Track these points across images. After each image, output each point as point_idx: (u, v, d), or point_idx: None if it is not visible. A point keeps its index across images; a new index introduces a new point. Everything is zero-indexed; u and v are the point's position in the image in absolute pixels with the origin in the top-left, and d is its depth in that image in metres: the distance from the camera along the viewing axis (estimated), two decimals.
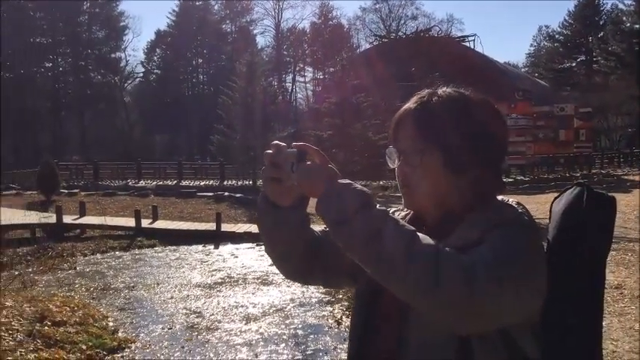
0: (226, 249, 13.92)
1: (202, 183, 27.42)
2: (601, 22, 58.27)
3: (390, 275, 1.03)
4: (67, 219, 16.20)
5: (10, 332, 5.99)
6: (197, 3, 61.63)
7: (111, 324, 7.55)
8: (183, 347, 6.71)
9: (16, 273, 10.65)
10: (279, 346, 6.76)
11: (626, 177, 28.31)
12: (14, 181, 28.71)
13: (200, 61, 63.14)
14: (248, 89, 28.96)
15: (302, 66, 65.49)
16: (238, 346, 6.75)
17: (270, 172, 1.20)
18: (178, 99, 57.04)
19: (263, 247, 1.40)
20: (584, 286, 1.22)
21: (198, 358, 6.38)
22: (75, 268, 11.81)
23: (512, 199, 1.24)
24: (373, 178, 25.53)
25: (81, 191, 23.34)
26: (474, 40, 44.60)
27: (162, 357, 6.39)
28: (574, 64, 60.19)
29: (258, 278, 10.52)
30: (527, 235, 1.13)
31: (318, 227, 1.38)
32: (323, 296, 8.92)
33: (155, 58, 61.52)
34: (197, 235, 15.20)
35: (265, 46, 65.02)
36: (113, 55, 58.50)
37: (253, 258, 12.41)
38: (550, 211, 1.35)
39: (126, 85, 61.40)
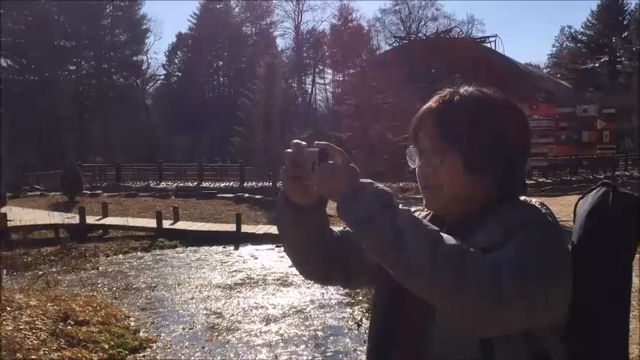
0: (246, 250, 13.97)
1: (222, 184, 27.56)
2: (625, 22, 57.35)
3: (413, 276, 1.01)
4: (90, 219, 16.41)
5: (34, 331, 6.07)
6: (218, 6, 62.03)
7: (132, 324, 7.62)
8: (203, 347, 6.75)
9: (40, 273, 10.83)
10: (298, 348, 6.76)
11: None
12: (39, 183, 29.14)
13: (220, 63, 63.53)
14: (268, 91, 29.10)
15: (321, 68, 65.55)
16: (258, 347, 6.77)
17: (291, 172, 1.18)
18: (199, 101, 57.43)
19: (282, 248, 1.40)
20: (611, 289, 1.20)
21: (219, 358, 6.42)
22: (97, 268, 11.95)
23: (535, 200, 1.22)
24: (393, 180, 25.42)
25: (103, 192, 23.61)
26: (494, 40, 44.19)
27: (183, 357, 6.44)
28: (597, 65, 59.29)
29: (278, 279, 10.55)
30: (552, 236, 1.11)
31: (337, 228, 1.38)
32: (343, 298, 8.91)
33: (176, 60, 62.05)
34: (217, 236, 15.28)
35: (285, 49, 65.23)
36: (135, 58, 59.09)
37: (273, 259, 12.44)
38: (574, 212, 1.32)
39: (147, 87, 62.02)
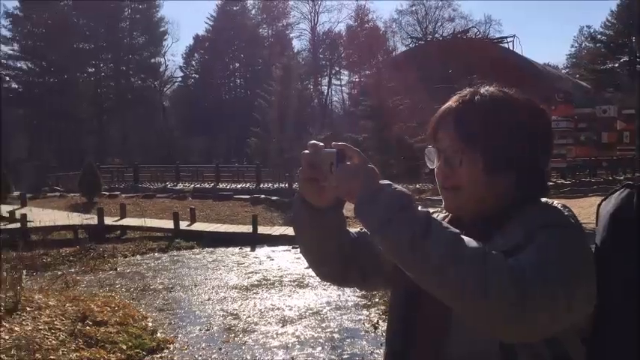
0: (262, 251, 14.00)
1: (239, 185, 27.66)
2: None
3: (434, 279, 0.99)
4: (108, 220, 16.56)
5: (53, 331, 6.14)
6: (234, 8, 62.30)
7: (150, 324, 7.67)
8: (220, 349, 6.76)
9: (59, 273, 10.93)
10: (315, 350, 6.75)
11: None
12: (58, 184, 29.47)
13: (237, 65, 63.78)
14: (284, 93, 29.13)
15: (338, 69, 65.44)
16: (275, 349, 6.77)
17: (308, 173, 1.17)
18: (216, 103, 57.69)
19: (299, 250, 1.39)
20: (635, 291, 1.17)
21: None
22: (115, 269, 12.05)
23: (557, 202, 1.19)
24: (409, 182, 25.33)
25: (122, 193, 23.80)
26: (512, 41, 43.83)
27: (200, 358, 6.46)
28: (617, 65, 58.57)
29: (294, 281, 10.55)
30: (575, 238, 1.09)
31: (354, 229, 1.37)
32: (359, 300, 8.89)
33: (193, 62, 62.41)
34: (234, 237, 15.33)
35: (301, 50, 65.25)
36: (153, 60, 59.56)
37: (289, 260, 12.45)
38: (597, 214, 1.30)
39: (165, 89, 62.44)
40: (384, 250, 1.04)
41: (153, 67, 59.08)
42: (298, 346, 6.86)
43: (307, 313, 8.31)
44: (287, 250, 13.59)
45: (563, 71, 58.31)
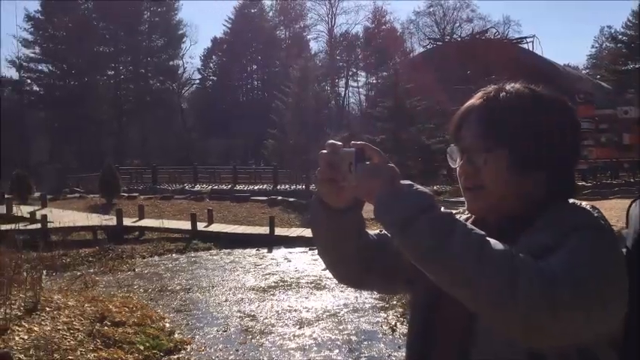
0: (280, 253, 14.00)
1: (256, 187, 27.75)
2: None
3: (459, 283, 0.95)
4: (127, 221, 16.69)
5: (72, 332, 6.17)
6: (252, 10, 62.54)
7: (167, 325, 7.69)
8: (237, 350, 6.75)
9: (79, 273, 11.03)
10: (332, 352, 6.71)
11: None
12: (78, 185, 29.81)
13: (255, 67, 64.00)
14: (301, 94, 29.13)
15: (355, 71, 65.38)
16: (292, 351, 6.75)
17: (326, 173, 1.13)
18: (233, 105, 57.94)
19: (316, 251, 1.36)
20: None
21: None
22: (134, 270, 12.13)
23: (585, 203, 1.14)
24: (427, 183, 25.20)
25: (140, 195, 23.98)
26: (532, 41, 43.40)
27: None
28: (638, 66, 57.72)
29: (311, 282, 10.52)
30: (606, 240, 1.04)
31: (373, 230, 1.33)
32: (377, 302, 8.83)
33: (211, 65, 62.73)
34: (251, 238, 15.37)
35: (318, 52, 65.25)
36: (171, 63, 59.94)
37: (306, 262, 12.43)
38: (627, 216, 1.24)
39: (183, 91, 62.82)
40: (405, 253, 1.01)
41: (171, 70, 59.50)
42: (315, 348, 6.83)
43: (324, 315, 8.28)
44: (304, 252, 13.57)
45: (584, 72, 57.64)
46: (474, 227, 0.99)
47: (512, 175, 1.11)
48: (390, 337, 7.24)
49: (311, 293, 9.76)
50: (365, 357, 6.58)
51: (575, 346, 1.01)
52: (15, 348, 5.42)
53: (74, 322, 6.50)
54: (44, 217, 15.60)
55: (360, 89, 66.38)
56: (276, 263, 12.78)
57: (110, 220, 16.70)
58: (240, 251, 14.23)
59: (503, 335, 0.99)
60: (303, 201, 20.38)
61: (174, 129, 56.01)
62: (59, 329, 6.18)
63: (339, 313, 8.40)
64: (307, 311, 8.54)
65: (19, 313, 6.40)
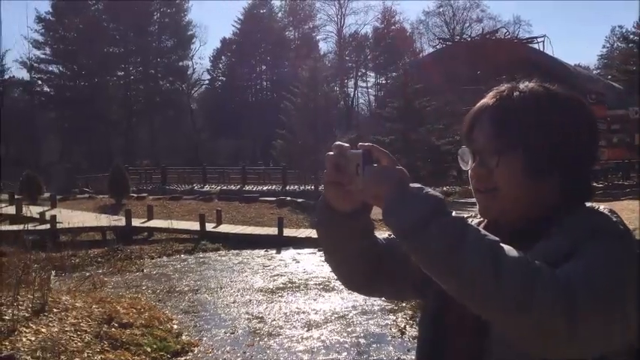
0: (288, 254, 13.96)
1: (265, 188, 27.73)
2: None
3: (472, 292, 0.91)
4: (136, 222, 16.71)
5: (79, 333, 6.15)
6: (261, 11, 62.60)
7: (175, 327, 7.66)
8: (245, 352, 6.71)
9: (87, 274, 11.04)
10: (340, 355, 6.66)
11: None
12: (88, 186, 29.91)
13: (264, 67, 64.02)
14: (310, 95, 29.10)
15: (364, 71, 65.27)
16: (299, 354, 6.69)
17: (333, 176, 1.09)
18: (243, 105, 58.01)
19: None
20: None
21: None
22: (142, 271, 12.13)
23: (603, 207, 1.09)
24: (437, 184, 25.09)
25: (149, 195, 24.03)
26: (543, 41, 43.11)
27: None
28: None
29: (319, 284, 10.46)
30: (626, 246, 0.98)
31: (382, 234, 1.28)
32: (386, 304, 8.76)
33: (220, 65, 62.82)
34: (259, 239, 15.34)
35: (328, 52, 65.13)
36: (181, 64, 60.09)
37: (315, 263, 12.37)
38: None
39: (193, 92, 62.94)
40: (414, 259, 0.97)
41: (181, 70, 59.67)
42: (323, 351, 6.77)
43: (333, 317, 8.22)
44: (312, 253, 13.52)
45: (595, 72, 57.20)
46: (486, 233, 0.95)
47: (526, 178, 1.07)
48: (399, 340, 7.17)
49: (319, 295, 9.71)
50: None
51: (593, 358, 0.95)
52: (22, 349, 5.40)
53: (81, 324, 6.48)
54: (53, 217, 15.65)
55: (370, 90, 66.33)
56: (284, 264, 12.73)
57: (119, 221, 16.73)
58: (248, 252, 14.21)
59: (517, 345, 0.94)
60: (311, 202, 20.33)
61: (183, 129, 56.18)
62: (66, 331, 6.16)
63: (347, 315, 8.34)
64: (315, 313, 8.48)
65: (27, 315, 6.38)
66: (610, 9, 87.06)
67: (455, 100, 27.23)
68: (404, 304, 8.46)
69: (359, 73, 64.74)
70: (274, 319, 8.18)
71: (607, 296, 0.90)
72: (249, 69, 62.00)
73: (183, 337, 7.21)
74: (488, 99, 1.14)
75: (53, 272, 10.57)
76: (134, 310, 7.63)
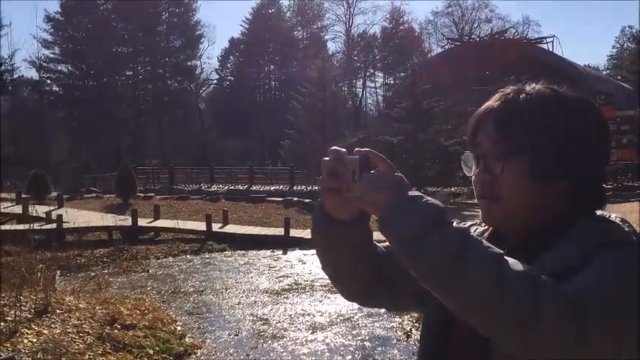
0: (294, 255, 13.88)
1: (272, 188, 27.67)
2: None
3: (473, 307, 0.86)
4: (142, 222, 16.70)
5: (81, 335, 6.11)
6: (270, 11, 62.63)
7: (179, 328, 7.61)
8: (248, 355, 6.65)
9: (92, 274, 11.01)
10: (345, 358, 6.59)
11: None
12: (96, 185, 29.99)
13: (272, 67, 64.02)
14: (318, 95, 29.09)
15: (372, 71, 65.15)
16: (303, 356, 6.62)
17: (329, 182, 1.04)
18: (251, 105, 58.10)
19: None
20: None
21: None
22: (148, 271, 12.10)
23: (614, 215, 1.03)
24: (444, 185, 24.99)
25: (156, 195, 24.04)
26: (552, 41, 42.81)
27: None
28: None
29: (325, 286, 10.37)
30: (638, 257, 0.92)
31: (383, 242, 1.20)
32: None
33: (229, 65, 62.88)
34: (266, 240, 15.28)
35: (336, 52, 65.07)
36: (189, 63, 60.20)
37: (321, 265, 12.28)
38: None
39: (201, 91, 63.07)
40: (413, 271, 0.91)
41: (189, 70, 59.79)
42: (328, 354, 6.70)
43: (338, 320, 8.14)
44: None
45: (605, 73, 56.81)
46: (490, 245, 0.89)
47: (532, 182, 1.01)
48: (405, 343, 7.09)
49: (325, 297, 9.62)
50: None
51: None
52: (23, 351, 5.36)
53: (84, 325, 6.43)
54: (59, 217, 15.65)
55: (378, 90, 66.21)
56: (290, 265, 12.66)
57: (125, 221, 16.72)
58: (254, 252, 14.15)
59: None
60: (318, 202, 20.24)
61: (191, 129, 56.29)
62: (68, 332, 6.11)
63: (353, 317, 8.25)
64: (321, 315, 8.41)
65: (30, 316, 6.34)
66: (620, 9, 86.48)
67: (463, 100, 27.09)
68: None
69: (367, 73, 64.65)
70: (279, 321, 8.11)
71: (618, 313, 0.85)
72: (257, 69, 62.01)
73: (187, 339, 7.16)
74: (492, 101, 1.08)
75: (58, 272, 10.59)
76: (138, 312, 7.59)
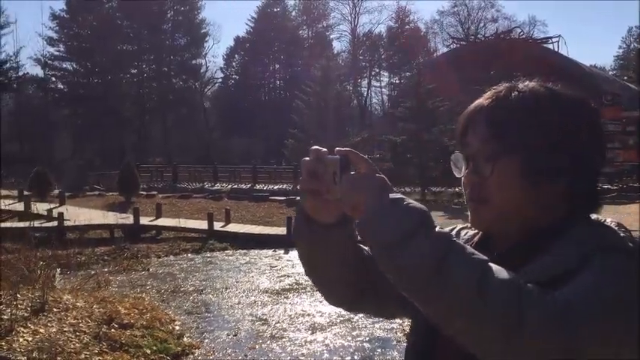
0: (296, 254, 13.57)
1: (276, 187, 27.63)
2: None
3: (455, 313, 0.82)
4: (144, 220, 16.66)
5: (78, 334, 6.05)
6: (275, 10, 62.60)
7: (177, 328, 7.56)
8: (246, 356, 6.59)
9: (92, 272, 10.96)
10: (344, 359, 6.50)
11: None
12: (99, 183, 30.01)
13: (277, 66, 64.02)
14: (323, 94, 29.02)
15: (377, 71, 65.07)
16: (302, 357, 6.56)
17: (308, 183, 1.00)
18: (255, 104, 58.12)
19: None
20: None
21: None
22: (148, 270, 12.05)
23: (610, 219, 0.98)
24: (449, 185, 24.85)
25: (159, 193, 24.02)
26: (558, 41, 42.60)
27: None
28: None
29: None
30: (635, 264, 0.88)
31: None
32: None
33: (234, 64, 62.90)
34: (267, 239, 15.22)
35: (341, 51, 65.05)
36: (194, 62, 60.27)
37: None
38: None
39: (206, 90, 63.09)
40: (392, 278, 0.86)
41: (194, 69, 59.85)
42: (327, 355, 6.63)
43: (338, 320, 8.07)
44: None
45: (611, 73, 56.56)
46: (474, 251, 0.85)
47: (523, 186, 0.97)
48: (405, 344, 6.99)
49: None
50: None
51: None
52: (18, 350, 5.30)
53: (81, 324, 6.38)
54: (61, 214, 15.63)
55: (383, 89, 66.12)
56: (291, 265, 12.59)
57: (127, 219, 16.70)
58: (256, 252, 14.09)
59: None
60: None
61: (196, 127, 56.32)
62: (65, 331, 6.06)
63: (352, 318, 8.17)
64: (320, 316, 8.34)
65: (26, 314, 6.29)
66: (627, 9, 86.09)
67: (468, 100, 26.90)
68: None
69: (372, 73, 64.58)
70: (278, 321, 8.05)
71: (611, 325, 0.82)
72: (262, 67, 62.03)
73: (185, 339, 7.10)
74: (483, 99, 1.04)
75: (58, 270, 10.54)
76: (136, 311, 7.53)
